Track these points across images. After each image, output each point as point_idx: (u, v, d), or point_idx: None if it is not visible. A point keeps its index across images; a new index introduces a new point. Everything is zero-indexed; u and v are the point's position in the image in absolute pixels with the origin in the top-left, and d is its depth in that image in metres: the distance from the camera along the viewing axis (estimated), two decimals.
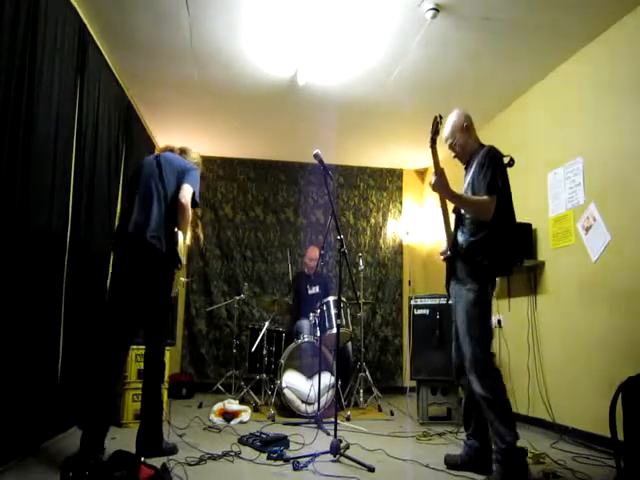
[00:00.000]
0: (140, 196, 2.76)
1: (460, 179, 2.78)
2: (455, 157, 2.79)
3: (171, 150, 3.10)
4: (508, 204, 2.58)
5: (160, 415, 2.78)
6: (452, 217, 2.73)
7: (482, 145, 2.72)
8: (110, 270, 3.29)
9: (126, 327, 2.67)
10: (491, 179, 2.50)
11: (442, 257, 2.74)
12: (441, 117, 2.59)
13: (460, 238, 2.63)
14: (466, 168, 2.76)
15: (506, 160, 2.60)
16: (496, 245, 2.51)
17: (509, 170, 2.63)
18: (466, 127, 2.72)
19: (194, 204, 2.85)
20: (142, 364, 2.89)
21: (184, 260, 2.95)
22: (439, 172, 2.57)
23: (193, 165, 3.01)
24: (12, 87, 2.37)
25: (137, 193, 2.78)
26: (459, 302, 2.57)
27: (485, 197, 2.49)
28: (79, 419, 3.23)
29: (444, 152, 2.80)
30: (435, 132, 2.60)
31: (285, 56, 3.86)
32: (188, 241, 5.87)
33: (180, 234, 2.81)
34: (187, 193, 2.78)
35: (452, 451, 2.80)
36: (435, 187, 2.60)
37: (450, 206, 2.72)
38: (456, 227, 2.69)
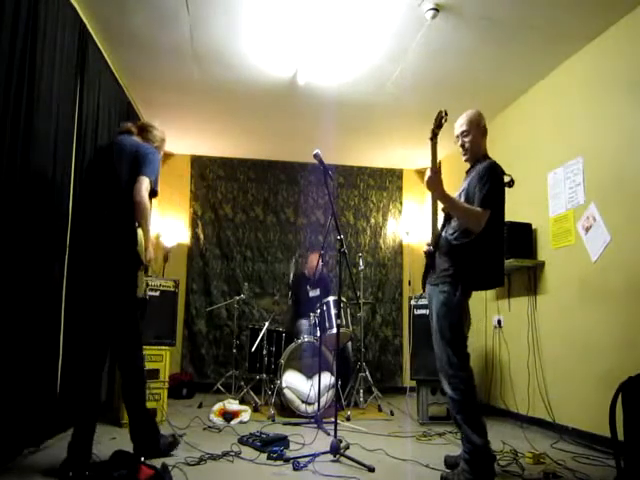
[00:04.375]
0: (92, 191, 2.58)
1: (457, 182, 2.74)
2: (461, 146, 2.67)
3: (128, 131, 2.74)
4: (499, 223, 2.53)
5: (148, 421, 2.64)
6: (441, 215, 2.68)
7: (487, 157, 2.65)
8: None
9: (91, 330, 2.56)
10: (487, 193, 2.44)
11: (424, 250, 2.69)
12: (446, 113, 2.48)
13: (444, 236, 2.59)
14: (467, 172, 2.70)
15: (507, 179, 2.55)
16: (475, 257, 2.47)
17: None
18: (483, 127, 2.65)
19: (153, 194, 2.56)
20: None
21: (150, 254, 2.63)
22: (435, 169, 2.49)
23: (150, 147, 2.66)
24: (12, 87, 2.37)
25: (89, 187, 2.61)
26: (433, 303, 2.57)
27: (478, 209, 2.44)
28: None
29: (451, 149, 2.70)
30: (438, 126, 2.50)
31: (285, 56, 3.86)
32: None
33: (140, 232, 2.55)
34: (142, 186, 2.46)
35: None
36: (429, 184, 2.52)
37: (441, 205, 2.65)
38: (443, 225, 2.65)
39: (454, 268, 2.49)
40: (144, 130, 2.78)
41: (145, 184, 2.48)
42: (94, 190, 2.58)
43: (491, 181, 2.47)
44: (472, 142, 2.63)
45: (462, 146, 2.66)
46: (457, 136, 2.68)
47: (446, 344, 2.49)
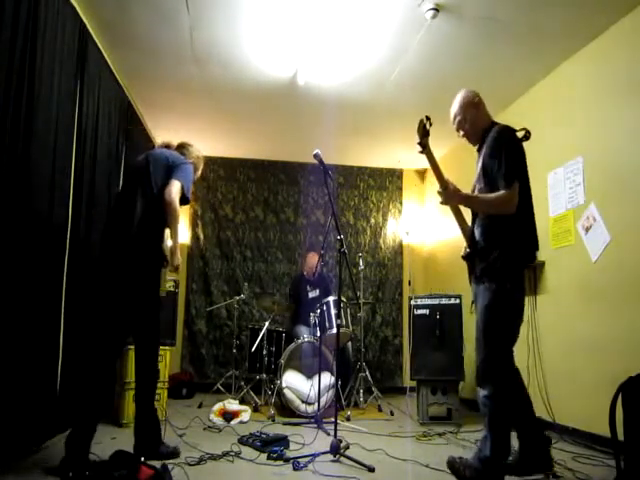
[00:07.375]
0: (125, 195, 2.69)
1: (468, 172, 2.65)
2: (464, 136, 2.55)
3: (167, 146, 2.96)
4: (525, 187, 2.35)
5: (154, 421, 2.68)
6: (467, 212, 2.56)
7: (494, 123, 2.49)
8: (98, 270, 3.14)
9: (113, 329, 2.58)
10: (507, 168, 2.27)
11: (462, 255, 2.53)
12: (428, 117, 2.34)
13: (477, 233, 2.44)
14: (478, 150, 2.52)
15: (520, 134, 2.39)
16: (511, 236, 2.31)
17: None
18: (477, 102, 2.51)
19: (184, 200, 2.69)
20: None
21: (177, 260, 2.68)
22: (445, 185, 2.35)
23: (184, 159, 2.83)
24: (12, 87, 2.37)
25: (122, 193, 2.72)
26: (478, 301, 2.38)
27: (503, 192, 2.26)
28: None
29: (449, 146, 2.60)
30: (424, 135, 2.34)
31: (285, 56, 3.86)
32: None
33: (167, 232, 2.66)
34: (173, 188, 2.60)
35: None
36: (446, 202, 2.39)
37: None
38: (472, 222, 2.50)
39: (495, 261, 2.30)
40: (180, 147, 2.99)
41: (176, 187, 2.62)
42: (129, 196, 2.65)
43: (505, 152, 2.30)
44: (472, 121, 2.50)
45: (464, 135, 2.56)
46: (456, 128, 2.57)
47: (489, 347, 2.31)
